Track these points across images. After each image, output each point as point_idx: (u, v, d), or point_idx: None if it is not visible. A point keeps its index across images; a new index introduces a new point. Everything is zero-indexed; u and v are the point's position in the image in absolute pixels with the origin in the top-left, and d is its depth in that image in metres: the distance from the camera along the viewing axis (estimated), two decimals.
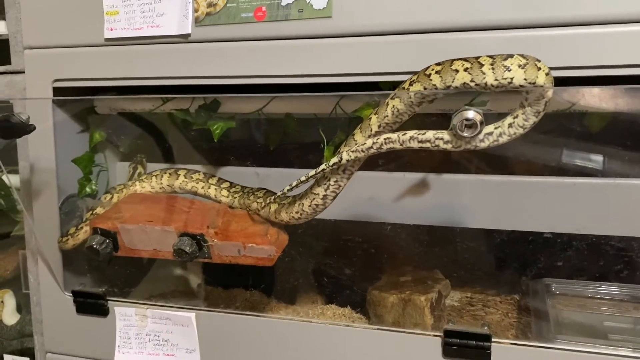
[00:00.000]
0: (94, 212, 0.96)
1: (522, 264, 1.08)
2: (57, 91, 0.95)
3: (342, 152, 0.72)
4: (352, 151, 0.70)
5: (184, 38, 0.85)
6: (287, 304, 1.11)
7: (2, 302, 1.19)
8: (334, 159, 0.72)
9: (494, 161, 0.97)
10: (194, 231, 0.83)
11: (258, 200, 0.91)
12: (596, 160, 0.89)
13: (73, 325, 0.98)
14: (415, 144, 0.66)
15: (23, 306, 1.18)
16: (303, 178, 0.75)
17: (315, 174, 0.74)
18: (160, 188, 1.00)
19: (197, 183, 0.98)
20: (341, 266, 1.14)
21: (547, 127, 0.88)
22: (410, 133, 0.66)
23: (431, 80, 0.66)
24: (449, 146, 0.65)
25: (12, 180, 1.16)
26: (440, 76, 0.65)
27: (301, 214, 0.84)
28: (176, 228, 0.83)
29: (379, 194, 0.97)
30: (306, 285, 1.16)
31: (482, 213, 0.95)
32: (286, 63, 0.81)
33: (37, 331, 1.05)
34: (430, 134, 0.65)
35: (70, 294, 0.98)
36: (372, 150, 0.69)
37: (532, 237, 1.00)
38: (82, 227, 0.95)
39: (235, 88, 0.87)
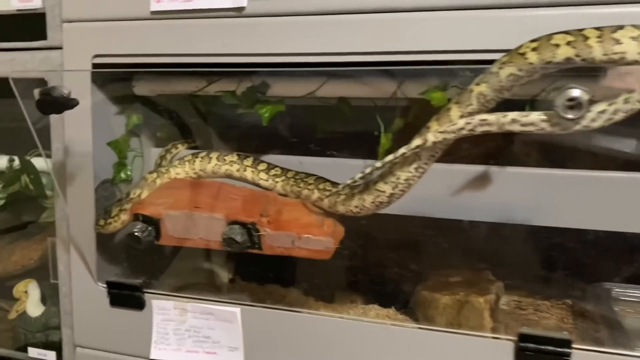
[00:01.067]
0: (129, 198, 0.90)
1: (574, 266, 1.01)
2: (96, 68, 0.89)
3: (426, 134, 0.65)
4: (440, 132, 0.63)
5: (238, 12, 0.79)
6: (326, 302, 1.05)
7: (26, 292, 1.14)
8: (417, 141, 0.66)
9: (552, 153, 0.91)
10: (245, 219, 0.76)
11: (309, 187, 0.84)
12: None
13: (106, 319, 0.92)
14: (516, 128, 0.60)
15: (48, 297, 1.13)
16: (379, 164, 0.69)
17: (394, 158, 0.68)
18: (194, 174, 0.94)
19: (231, 165, 0.91)
20: (383, 264, 1.07)
21: None
22: (512, 115, 0.60)
23: (527, 59, 0.60)
24: (556, 129, 0.58)
25: (41, 164, 1.11)
26: (538, 53, 0.59)
27: (361, 209, 0.79)
28: (226, 215, 0.77)
29: (432, 186, 0.90)
30: (344, 283, 1.10)
31: (535, 210, 0.88)
32: (351, 40, 0.75)
33: (66, 324, 1.00)
34: (534, 116, 0.59)
35: (104, 285, 0.92)
36: (462, 132, 0.63)
37: (586, 237, 0.93)
38: (121, 213, 0.88)
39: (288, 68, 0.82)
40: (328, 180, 0.86)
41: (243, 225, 0.76)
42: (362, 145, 0.91)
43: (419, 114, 0.86)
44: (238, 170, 0.91)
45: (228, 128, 1.05)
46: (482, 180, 0.88)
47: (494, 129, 0.61)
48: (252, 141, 1.01)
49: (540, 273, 1.06)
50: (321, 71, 0.83)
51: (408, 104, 0.84)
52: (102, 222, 0.90)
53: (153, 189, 0.91)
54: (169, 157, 1.00)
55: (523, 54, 0.62)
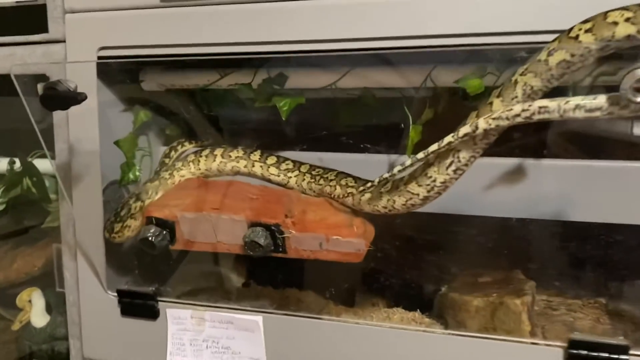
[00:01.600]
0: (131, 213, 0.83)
1: (607, 263, 0.96)
2: (102, 63, 0.83)
3: (476, 120, 0.60)
4: (493, 118, 0.58)
5: None
6: (346, 306, 0.99)
7: (30, 301, 1.08)
8: (465, 129, 0.60)
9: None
10: (268, 221, 0.71)
11: (331, 184, 0.79)
12: None
13: (117, 329, 0.87)
14: (580, 114, 0.54)
15: (53, 306, 1.07)
16: (421, 155, 0.63)
17: (439, 148, 0.62)
18: (200, 174, 0.88)
19: (238, 162, 0.86)
20: (405, 264, 1.02)
21: None
22: (576, 100, 0.54)
23: (580, 42, 0.55)
24: (624, 113, 0.53)
25: (44, 166, 1.06)
26: (594, 34, 0.54)
27: (390, 210, 0.74)
28: (247, 217, 0.71)
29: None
30: (364, 285, 1.04)
31: (567, 204, 0.82)
32: (378, 23, 0.69)
33: (74, 335, 0.94)
34: (602, 100, 0.54)
35: (114, 294, 0.86)
36: (517, 119, 0.57)
37: (620, 232, 0.87)
38: (124, 229, 0.83)
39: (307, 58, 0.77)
40: (350, 175, 0.81)
41: (266, 227, 0.71)
42: (388, 139, 0.85)
43: (451, 104, 0.80)
44: (246, 166, 0.86)
45: (241, 125, 0.99)
46: (506, 174, 0.84)
47: (554, 116, 0.55)
48: (267, 138, 0.95)
49: (571, 270, 1.00)
50: (346, 59, 0.77)
51: (439, 94, 0.79)
52: (106, 234, 0.84)
53: (155, 199, 0.85)
54: (173, 155, 0.94)
55: (575, 37, 0.56)
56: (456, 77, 0.74)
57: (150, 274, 0.92)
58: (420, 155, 0.63)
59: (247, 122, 0.97)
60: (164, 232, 0.74)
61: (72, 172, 0.87)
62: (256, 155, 0.86)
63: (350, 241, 0.69)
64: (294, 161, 0.86)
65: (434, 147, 0.62)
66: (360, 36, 0.71)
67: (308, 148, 0.90)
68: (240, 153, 0.87)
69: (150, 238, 0.73)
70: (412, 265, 1.00)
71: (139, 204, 0.83)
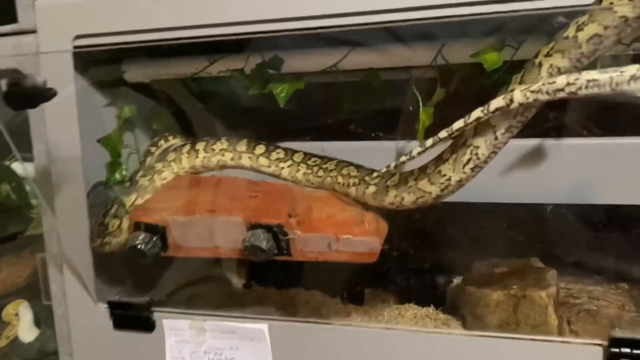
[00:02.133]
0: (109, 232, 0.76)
1: (623, 244, 0.89)
2: (78, 54, 0.76)
3: (512, 92, 0.53)
4: (532, 91, 0.51)
5: None
6: (355, 305, 0.93)
7: (17, 315, 1.02)
8: (498, 102, 0.53)
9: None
10: (269, 221, 0.64)
11: (331, 175, 0.73)
12: None
13: (110, 343, 0.80)
14: (637, 86, 0.48)
15: (42, 319, 1.01)
16: (443, 134, 0.56)
17: (465, 125, 0.55)
18: (184, 173, 0.81)
19: (223, 155, 0.79)
20: (414, 256, 0.96)
21: None
22: (630, 70, 0.47)
23: (616, 13, 0.49)
24: None
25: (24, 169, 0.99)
26: (631, 1, 0.48)
27: (397, 206, 0.68)
28: (245, 218, 0.64)
29: None
30: (371, 281, 0.98)
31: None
32: None
33: (64, 350, 0.88)
34: None
35: (105, 305, 0.79)
36: (560, 94, 0.50)
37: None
38: (105, 245, 0.77)
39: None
40: (352, 164, 0.75)
41: (268, 228, 0.64)
42: (396, 124, 0.79)
43: (465, 83, 0.74)
44: (232, 159, 0.79)
45: (235, 116, 0.93)
46: (519, 158, 0.77)
47: (604, 90, 0.48)
48: (264, 129, 0.88)
49: (590, 256, 0.95)
50: (347, 38, 0.70)
51: (451, 71, 0.72)
52: (91, 243, 0.79)
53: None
54: (162, 144, 0.87)
55: (609, 8, 0.50)
56: (470, 52, 0.67)
57: (144, 282, 0.85)
58: (443, 133, 0.56)
59: (241, 112, 0.90)
60: (154, 238, 0.67)
61: (53, 174, 0.80)
62: (242, 146, 0.79)
63: (362, 240, 0.62)
64: (285, 149, 0.79)
65: (459, 123, 0.55)
66: (363, 10, 0.64)
67: (310, 137, 0.84)
68: (225, 145, 0.80)
69: (139, 246, 0.66)
70: (421, 257, 0.94)
71: (116, 221, 0.76)
